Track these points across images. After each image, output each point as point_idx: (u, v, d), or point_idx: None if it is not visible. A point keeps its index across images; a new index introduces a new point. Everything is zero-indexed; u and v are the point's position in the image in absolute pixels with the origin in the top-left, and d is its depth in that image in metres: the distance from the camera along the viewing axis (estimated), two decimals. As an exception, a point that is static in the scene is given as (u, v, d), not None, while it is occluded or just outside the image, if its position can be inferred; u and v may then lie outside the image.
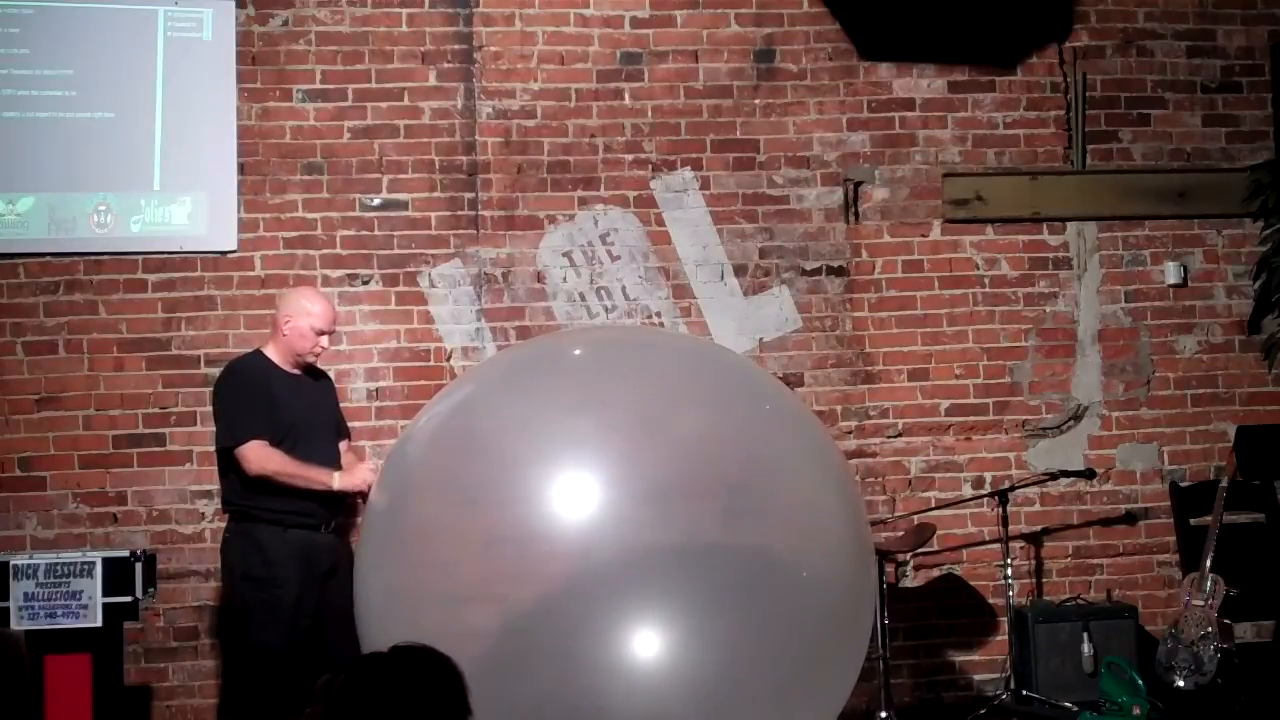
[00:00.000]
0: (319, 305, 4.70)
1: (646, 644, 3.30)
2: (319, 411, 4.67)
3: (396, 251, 5.60)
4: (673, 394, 3.72)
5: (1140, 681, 5.14)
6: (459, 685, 2.32)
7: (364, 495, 4.37)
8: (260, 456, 4.42)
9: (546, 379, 3.80)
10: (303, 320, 4.61)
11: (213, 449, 5.24)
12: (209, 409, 5.39)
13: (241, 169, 5.55)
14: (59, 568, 4.38)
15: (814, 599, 3.53)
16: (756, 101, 5.81)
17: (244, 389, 4.57)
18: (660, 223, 5.74)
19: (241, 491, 4.52)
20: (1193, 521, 5.71)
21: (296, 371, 4.69)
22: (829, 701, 3.69)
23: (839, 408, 5.75)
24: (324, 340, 4.68)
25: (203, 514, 5.41)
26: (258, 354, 4.71)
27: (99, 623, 4.37)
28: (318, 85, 5.62)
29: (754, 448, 3.70)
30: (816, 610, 3.52)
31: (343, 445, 4.77)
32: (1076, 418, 5.89)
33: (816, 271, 5.80)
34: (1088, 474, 5.67)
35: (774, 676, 3.40)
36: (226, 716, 4.68)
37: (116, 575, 4.44)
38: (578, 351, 4.13)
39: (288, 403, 4.54)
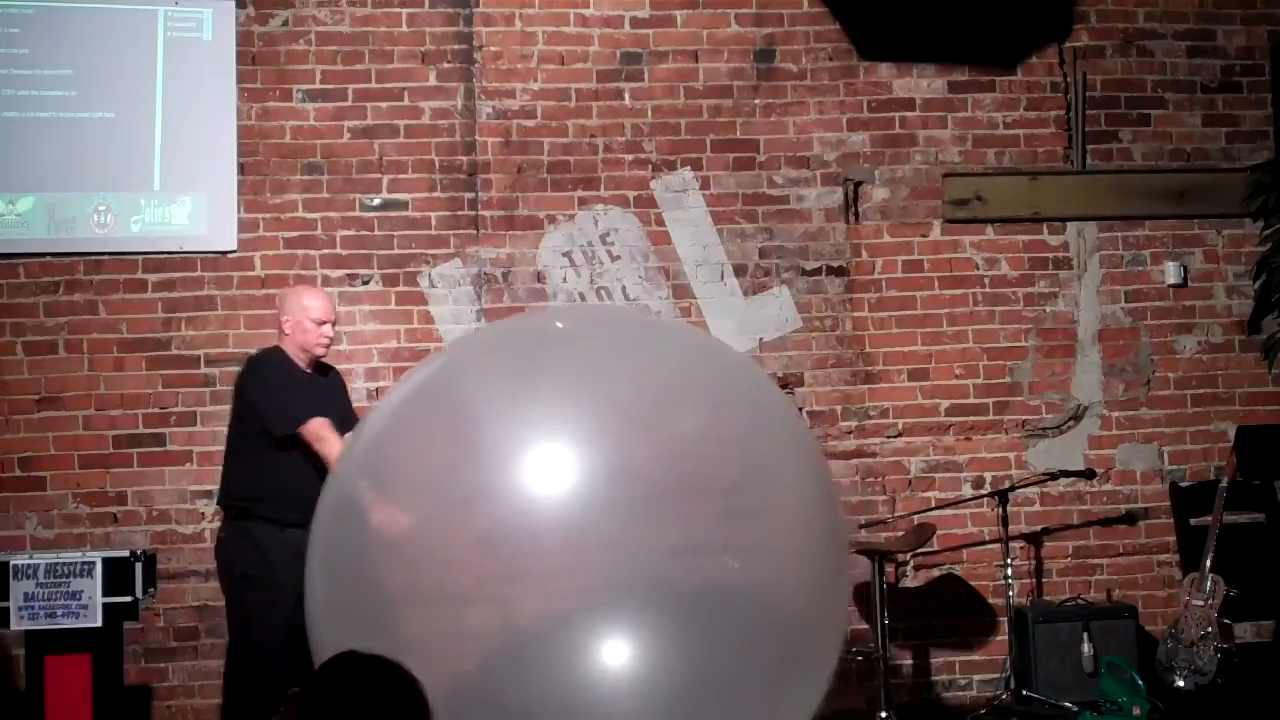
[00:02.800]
0: (314, 299, 4.72)
1: (636, 646, 3.29)
2: (331, 410, 4.68)
3: (396, 251, 5.60)
4: (670, 391, 3.70)
5: (1140, 681, 5.13)
6: (421, 701, 2.34)
7: None
8: (335, 435, 4.43)
9: (537, 368, 3.76)
10: (301, 315, 4.64)
11: (213, 449, 5.27)
12: (209, 409, 5.43)
13: (241, 169, 5.55)
14: (59, 568, 4.37)
15: (784, 603, 3.52)
16: (756, 101, 5.82)
17: (282, 377, 4.59)
18: (660, 223, 5.75)
19: (242, 489, 4.52)
20: (1193, 521, 5.71)
21: (309, 371, 4.71)
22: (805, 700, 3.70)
23: (839, 408, 5.76)
24: (327, 330, 4.70)
25: (203, 514, 5.42)
26: (278, 350, 4.73)
27: (99, 623, 4.36)
28: (318, 85, 5.63)
29: (751, 449, 3.69)
30: (786, 614, 3.52)
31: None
32: (1076, 418, 5.89)
33: (816, 271, 5.80)
34: (1088, 474, 5.67)
35: (756, 678, 3.41)
36: (230, 717, 4.67)
37: (116, 575, 4.43)
38: (566, 333, 4.06)
39: (307, 401, 4.56)
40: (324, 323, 4.68)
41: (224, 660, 5.29)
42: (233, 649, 4.65)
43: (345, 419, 4.78)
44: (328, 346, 4.74)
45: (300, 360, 4.67)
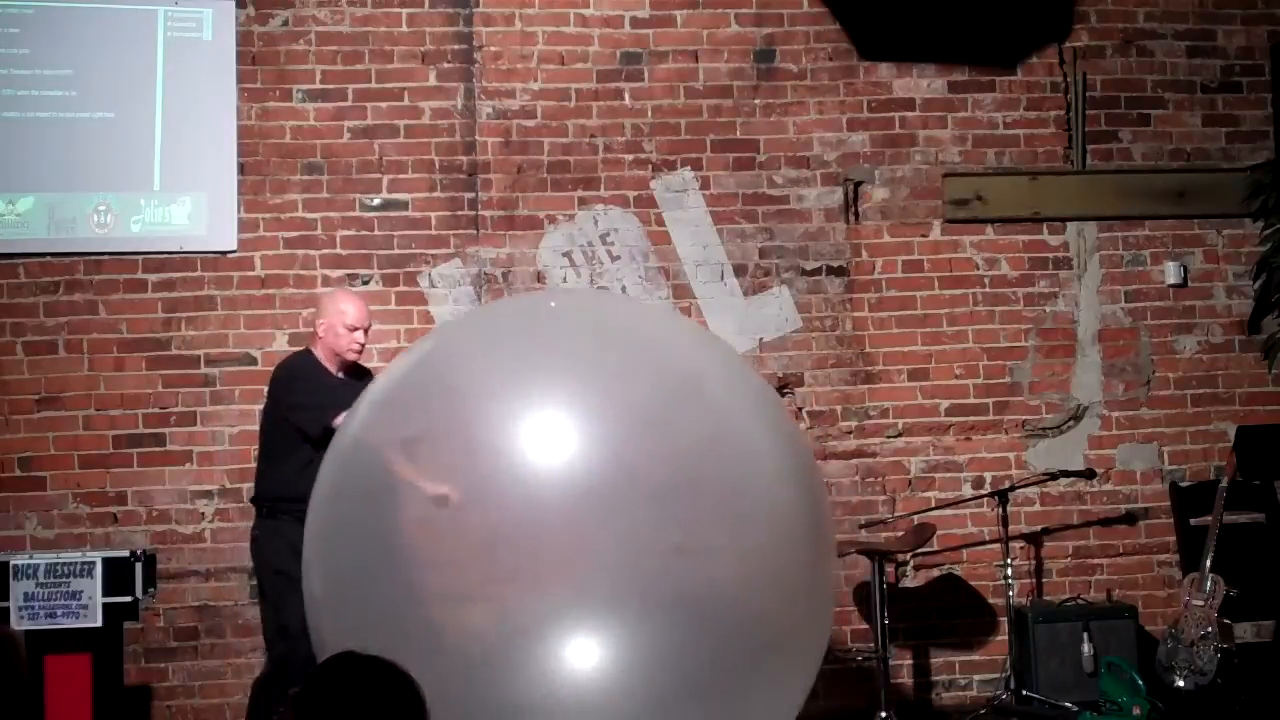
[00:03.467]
0: (350, 304, 4.75)
1: (636, 644, 3.29)
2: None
3: (396, 251, 5.60)
4: (669, 390, 3.69)
5: (1140, 681, 5.13)
6: (418, 702, 2.35)
7: None
8: None
9: (533, 359, 3.72)
10: (335, 319, 4.67)
11: (213, 449, 5.29)
12: (209, 409, 5.45)
13: (241, 169, 5.55)
14: (59, 568, 4.38)
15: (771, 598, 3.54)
16: (756, 101, 5.81)
17: (310, 379, 4.62)
18: (660, 223, 5.74)
19: (272, 489, 4.56)
20: (1193, 521, 5.71)
21: (340, 375, 4.72)
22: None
23: (839, 408, 5.75)
24: (358, 336, 4.72)
25: (203, 514, 5.42)
26: (307, 352, 4.75)
27: (99, 623, 4.37)
28: (318, 85, 5.62)
29: (748, 450, 3.68)
30: (776, 606, 3.53)
31: None
32: (1076, 418, 5.89)
33: (816, 271, 5.80)
34: (1088, 474, 5.67)
35: (733, 678, 3.42)
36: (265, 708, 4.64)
37: (116, 575, 4.43)
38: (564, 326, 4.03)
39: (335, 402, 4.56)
40: (356, 329, 4.70)
41: (236, 655, 5.32)
42: (269, 642, 4.65)
43: None
44: (359, 353, 4.75)
45: (330, 364, 4.70)
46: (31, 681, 4.33)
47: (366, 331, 4.77)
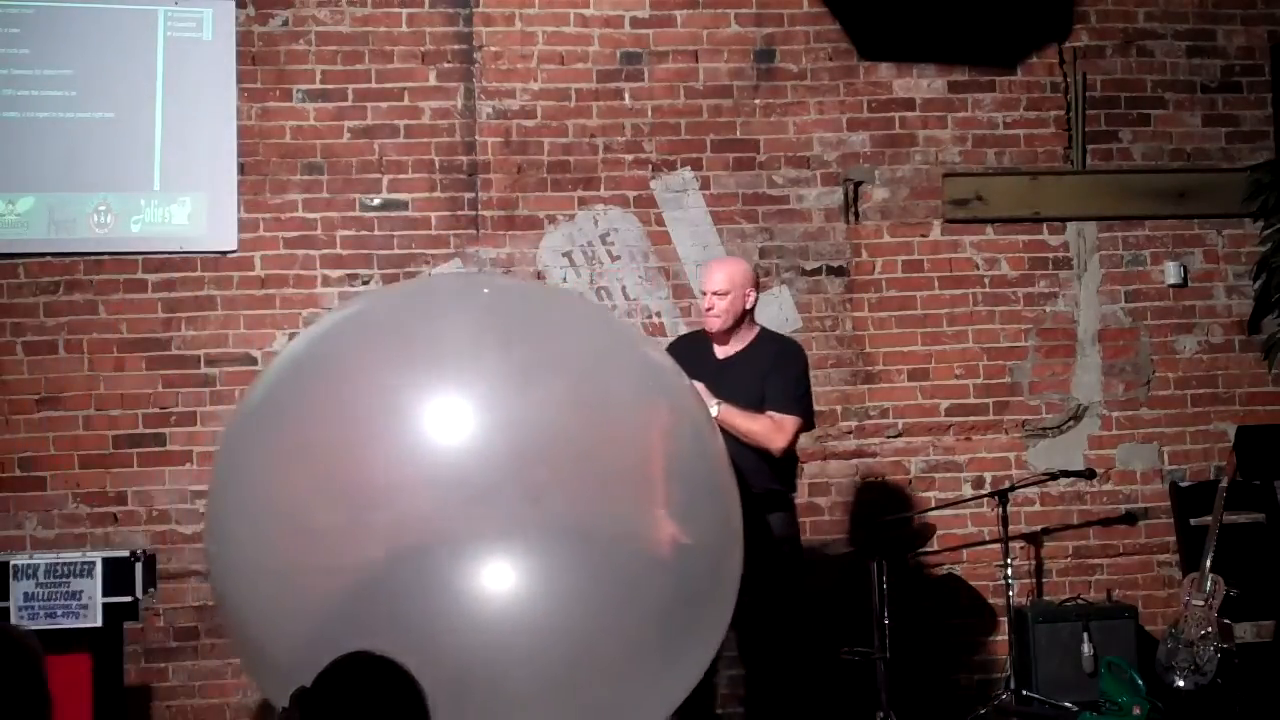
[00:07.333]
0: (706, 267, 4.79)
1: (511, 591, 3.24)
2: (720, 390, 4.44)
3: (396, 251, 5.60)
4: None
5: (1140, 681, 5.14)
6: (421, 703, 2.37)
7: None
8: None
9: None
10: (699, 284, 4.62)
11: (213, 449, 5.26)
12: (209, 409, 5.46)
13: (241, 169, 5.55)
14: (59, 568, 4.38)
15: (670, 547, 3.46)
16: (756, 101, 5.81)
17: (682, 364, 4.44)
18: (660, 223, 5.75)
19: None
20: (1193, 521, 5.71)
21: (726, 351, 4.63)
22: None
23: (839, 408, 5.75)
24: (705, 300, 4.64)
25: (203, 514, 5.41)
26: (698, 332, 4.77)
27: (99, 623, 4.37)
28: (318, 85, 5.63)
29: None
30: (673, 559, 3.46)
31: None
32: (1076, 418, 5.89)
33: (816, 271, 5.80)
34: (1088, 474, 5.67)
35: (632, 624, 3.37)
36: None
37: (116, 575, 4.44)
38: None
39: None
40: (704, 292, 4.66)
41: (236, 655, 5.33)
42: None
43: (749, 401, 4.55)
44: (717, 318, 4.61)
45: (716, 339, 4.64)
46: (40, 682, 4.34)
47: (721, 295, 4.60)
